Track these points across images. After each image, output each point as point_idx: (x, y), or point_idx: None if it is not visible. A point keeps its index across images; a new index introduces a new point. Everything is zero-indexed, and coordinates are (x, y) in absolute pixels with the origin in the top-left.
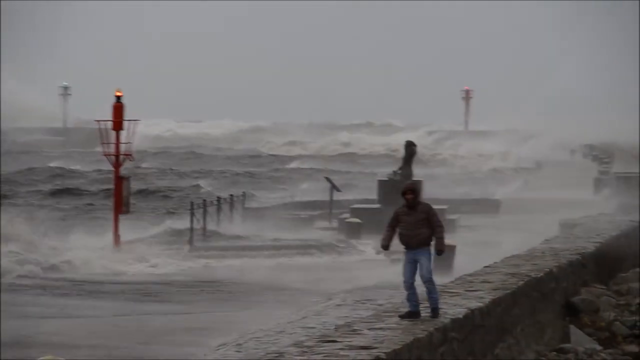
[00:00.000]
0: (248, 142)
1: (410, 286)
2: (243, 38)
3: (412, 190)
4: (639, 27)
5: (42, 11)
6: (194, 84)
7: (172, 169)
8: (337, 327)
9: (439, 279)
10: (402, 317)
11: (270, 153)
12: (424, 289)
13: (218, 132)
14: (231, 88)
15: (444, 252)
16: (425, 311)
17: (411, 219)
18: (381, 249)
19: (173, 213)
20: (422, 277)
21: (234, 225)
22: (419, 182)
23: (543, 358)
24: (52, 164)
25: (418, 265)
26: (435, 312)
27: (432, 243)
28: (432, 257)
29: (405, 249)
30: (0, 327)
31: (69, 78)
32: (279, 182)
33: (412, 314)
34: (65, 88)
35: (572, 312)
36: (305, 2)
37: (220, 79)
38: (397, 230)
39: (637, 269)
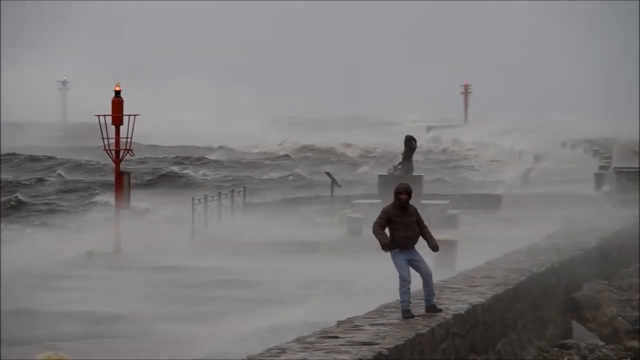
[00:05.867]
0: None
1: (408, 284)
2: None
3: (407, 191)
4: (639, 25)
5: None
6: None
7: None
8: (339, 323)
9: (441, 275)
10: (406, 317)
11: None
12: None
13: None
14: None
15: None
16: (421, 309)
17: (406, 220)
18: (384, 251)
19: None
20: (427, 276)
21: (234, 221)
22: (418, 178)
23: (545, 354)
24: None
25: (417, 266)
26: (435, 307)
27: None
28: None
29: (399, 249)
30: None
31: (71, 75)
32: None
33: (410, 312)
34: (64, 83)
35: (574, 307)
36: (304, 2)
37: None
38: (389, 230)
39: (639, 265)
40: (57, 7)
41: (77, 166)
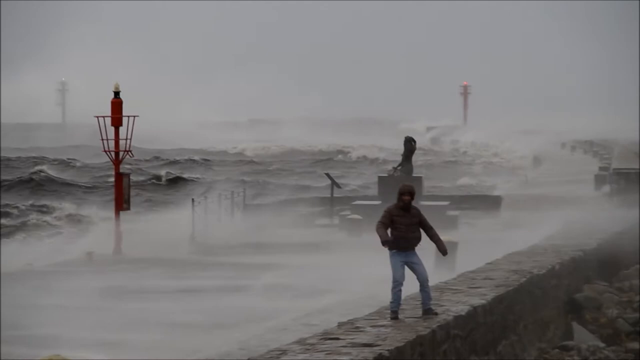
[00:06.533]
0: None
1: (400, 286)
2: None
3: (410, 193)
4: (638, 25)
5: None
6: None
7: None
8: (340, 325)
9: (441, 276)
10: (393, 318)
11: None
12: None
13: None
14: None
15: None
16: (419, 311)
17: (407, 221)
18: (384, 247)
19: None
20: (422, 279)
21: (233, 222)
22: (418, 179)
23: (546, 355)
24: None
25: (414, 268)
26: (431, 311)
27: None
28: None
29: (397, 250)
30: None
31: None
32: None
33: (397, 314)
34: (63, 84)
35: (575, 309)
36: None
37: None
38: (391, 230)
39: (639, 266)
40: (61, 7)
41: (76, 166)
